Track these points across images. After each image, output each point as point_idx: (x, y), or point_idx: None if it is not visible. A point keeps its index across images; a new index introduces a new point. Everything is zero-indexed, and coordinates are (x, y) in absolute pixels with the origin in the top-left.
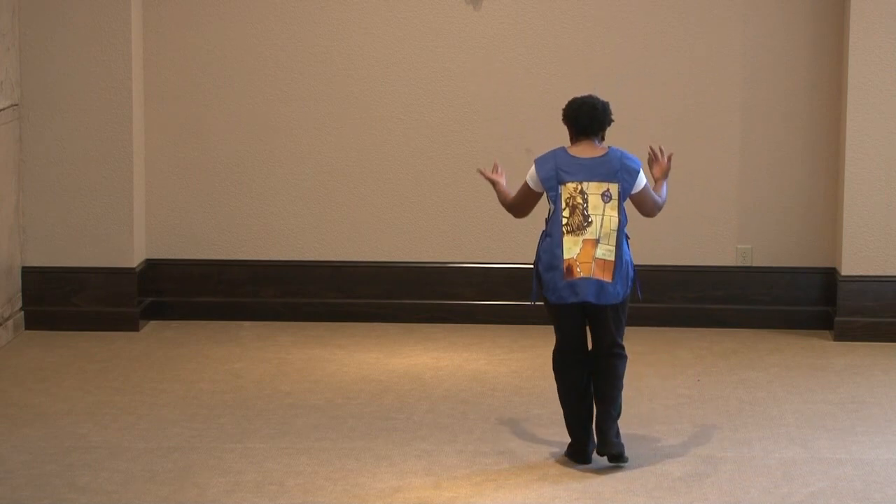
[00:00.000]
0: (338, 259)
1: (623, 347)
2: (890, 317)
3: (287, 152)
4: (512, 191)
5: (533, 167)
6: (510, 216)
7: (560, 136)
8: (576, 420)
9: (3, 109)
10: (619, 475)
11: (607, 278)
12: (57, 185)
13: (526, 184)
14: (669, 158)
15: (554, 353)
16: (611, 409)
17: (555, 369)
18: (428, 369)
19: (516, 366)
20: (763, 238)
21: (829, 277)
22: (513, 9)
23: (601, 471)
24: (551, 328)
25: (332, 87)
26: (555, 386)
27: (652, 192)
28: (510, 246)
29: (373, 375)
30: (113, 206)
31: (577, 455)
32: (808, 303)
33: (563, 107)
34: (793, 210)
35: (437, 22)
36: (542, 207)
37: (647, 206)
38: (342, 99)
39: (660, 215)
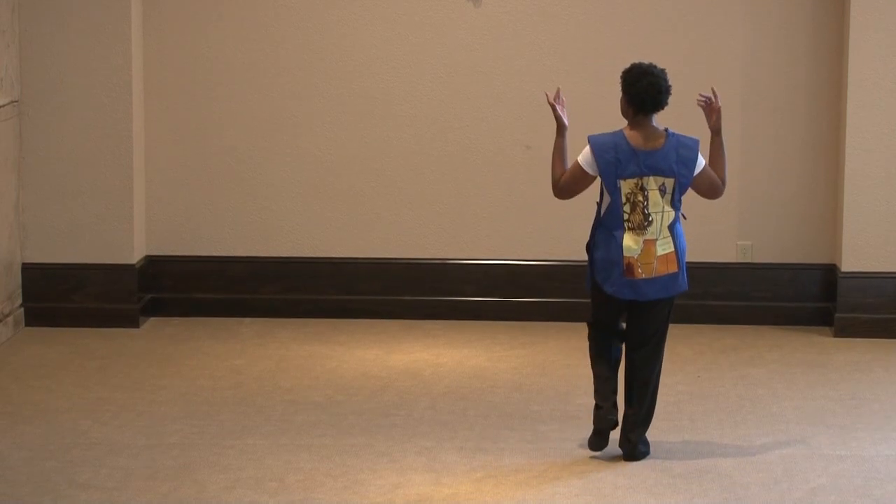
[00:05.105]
0: (338, 255)
1: (665, 342)
2: (890, 313)
3: (287, 149)
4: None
5: (587, 148)
6: (509, 214)
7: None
8: (603, 383)
9: (3, 106)
10: (619, 471)
11: (673, 269)
12: (57, 181)
13: (579, 166)
14: (716, 96)
15: (588, 326)
16: (639, 410)
17: (589, 337)
18: (428, 366)
19: (516, 362)
20: (763, 234)
21: (829, 274)
22: (513, 6)
23: (602, 467)
24: (551, 326)
25: (331, 85)
26: (554, 384)
27: (711, 173)
28: (510, 242)
29: (373, 372)
30: (113, 202)
31: (600, 422)
32: (808, 299)
33: (623, 75)
34: (793, 206)
35: (437, 19)
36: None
37: (705, 188)
38: (342, 96)
39: None
